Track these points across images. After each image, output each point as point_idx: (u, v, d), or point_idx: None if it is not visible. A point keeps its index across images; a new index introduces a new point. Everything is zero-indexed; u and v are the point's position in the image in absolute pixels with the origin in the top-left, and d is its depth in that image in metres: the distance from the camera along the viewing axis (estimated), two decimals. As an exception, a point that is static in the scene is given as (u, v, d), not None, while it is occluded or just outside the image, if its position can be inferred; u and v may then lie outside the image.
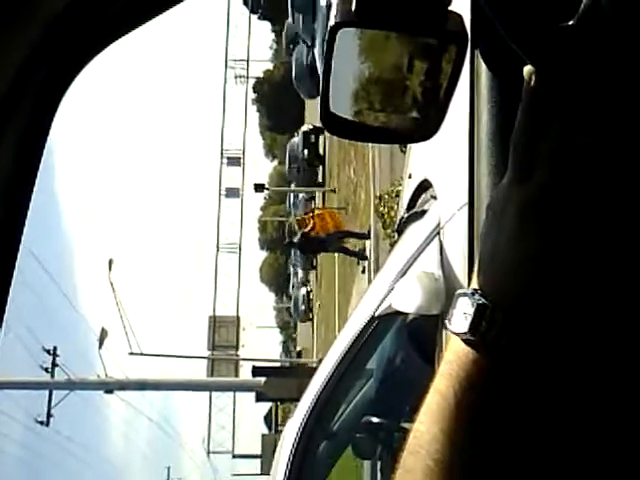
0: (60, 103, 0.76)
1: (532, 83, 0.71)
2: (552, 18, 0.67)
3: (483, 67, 0.94)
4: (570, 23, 0.66)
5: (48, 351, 21.03)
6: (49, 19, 0.71)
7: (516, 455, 0.74)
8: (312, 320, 31.61)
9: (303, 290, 32.78)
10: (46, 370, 20.51)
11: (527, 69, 0.72)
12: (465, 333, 0.73)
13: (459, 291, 0.76)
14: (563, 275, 0.72)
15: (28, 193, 0.75)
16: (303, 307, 32.04)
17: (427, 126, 0.87)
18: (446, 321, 0.76)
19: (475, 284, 0.75)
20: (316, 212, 16.40)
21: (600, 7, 0.65)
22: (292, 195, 30.56)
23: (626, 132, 0.69)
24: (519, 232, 0.72)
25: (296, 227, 15.75)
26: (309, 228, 15.04)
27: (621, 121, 0.69)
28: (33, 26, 0.70)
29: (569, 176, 0.70)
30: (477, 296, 0.74)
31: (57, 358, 20.68)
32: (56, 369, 20.26)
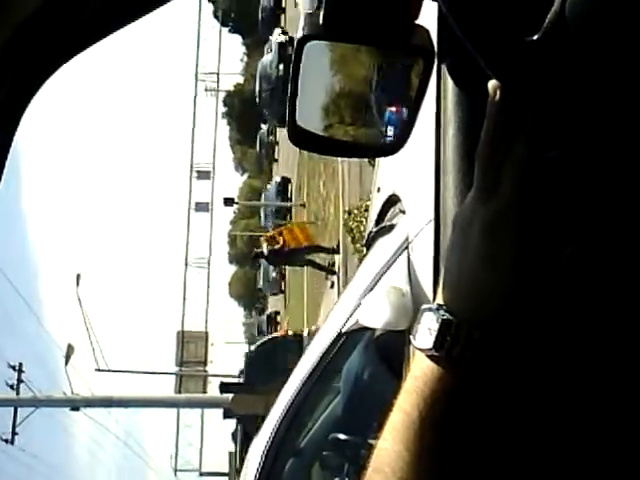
0: (26, 110, 0.75)
1: (497, 97, 0.71)
2: (517, 33, 0.67)
3: (449, 81, 0.94)
4: (535, 38, 0.66)
5: (13, 367, 20.75)
6: (17, 25, 0.70)
7: (483, 473, 0.73)
8: (284, 293, 28.30)
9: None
10: (11, 387, 20.22)
11: (492, 83, 0.71)
12: (430, 349, 0.72)
13: (424, 306, 0.75)
14: (529, 290, 0.71)
15: None
16: (274, 274, 26.22)
17: (394, 139, 0.86)
18: (411, 336, 0.75)
19: (440, 299, 0.75)
20: (286, 227, 16.23)
21: (564, 22, 0.65)
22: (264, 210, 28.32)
23: (593, 145, 0.69)
24: (485, 246, 0.72)
25: (264, 245, 15.03)
26: (279, 246, 14.65)
27: (587, 134, 0.69)
28: (1, 31, 0.69)
29: (535, 190, 0.70)
30: (442, 311, 0.73)
31: (22, 374, 20.41)
32: (21, 386, 19.99)
